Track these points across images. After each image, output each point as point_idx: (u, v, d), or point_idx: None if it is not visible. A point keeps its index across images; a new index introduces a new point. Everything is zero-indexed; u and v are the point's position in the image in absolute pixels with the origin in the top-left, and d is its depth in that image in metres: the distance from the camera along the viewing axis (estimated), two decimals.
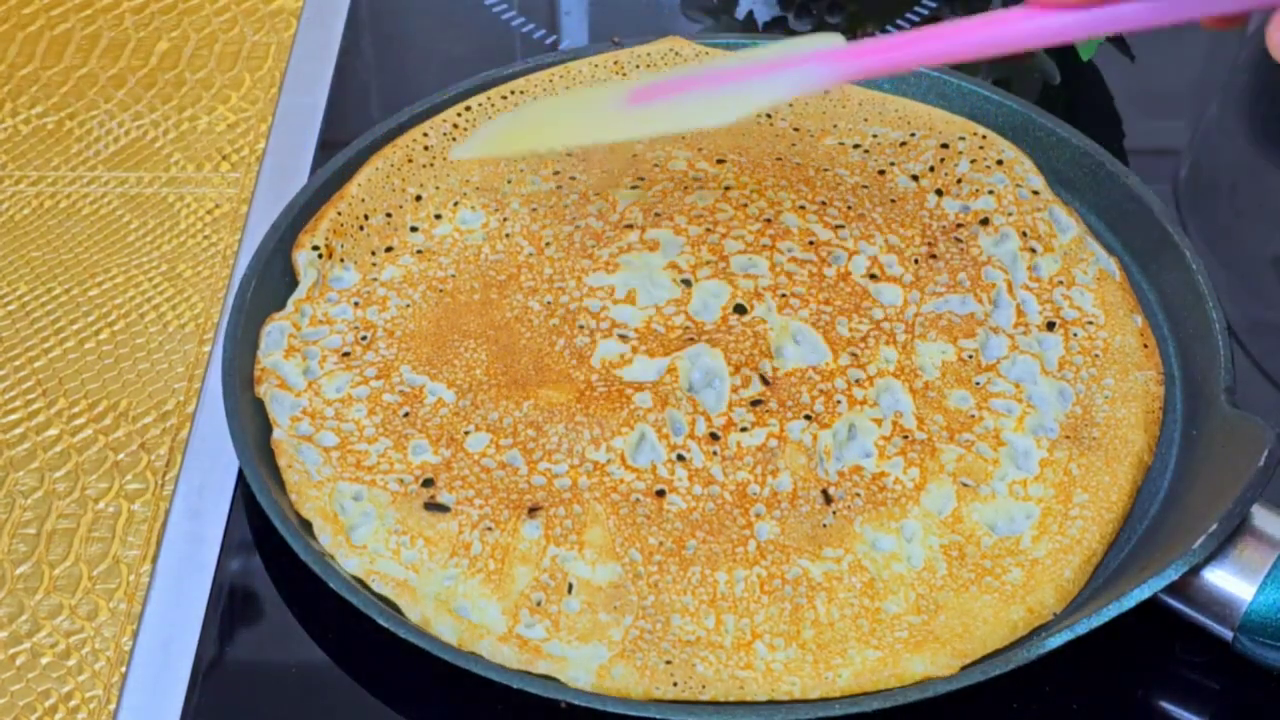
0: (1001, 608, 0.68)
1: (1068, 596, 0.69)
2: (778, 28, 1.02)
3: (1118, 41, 0.99)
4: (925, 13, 1.02)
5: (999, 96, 0.88)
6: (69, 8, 1.02)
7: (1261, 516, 0.67)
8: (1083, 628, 0.65)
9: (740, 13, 1.03)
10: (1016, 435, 0.74)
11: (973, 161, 0.85)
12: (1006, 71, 0.99)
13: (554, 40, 1.02)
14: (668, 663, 0.66)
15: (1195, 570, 0.66)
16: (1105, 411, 0.75)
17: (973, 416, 0.74)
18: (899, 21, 1.02)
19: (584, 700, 0.65)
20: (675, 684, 0.65)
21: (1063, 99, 0.97)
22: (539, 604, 0.68)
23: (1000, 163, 0.85)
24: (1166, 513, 0.72)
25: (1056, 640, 0.65)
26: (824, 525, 0.70)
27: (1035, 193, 0.83)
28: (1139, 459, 0.73)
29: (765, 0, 1.04)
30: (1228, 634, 0.66)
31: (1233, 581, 0.66)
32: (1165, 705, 0.68)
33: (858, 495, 0.71)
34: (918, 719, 0.65)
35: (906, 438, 0.73)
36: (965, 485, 0.72)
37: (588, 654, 0.66)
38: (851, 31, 1.01)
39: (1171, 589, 0.66)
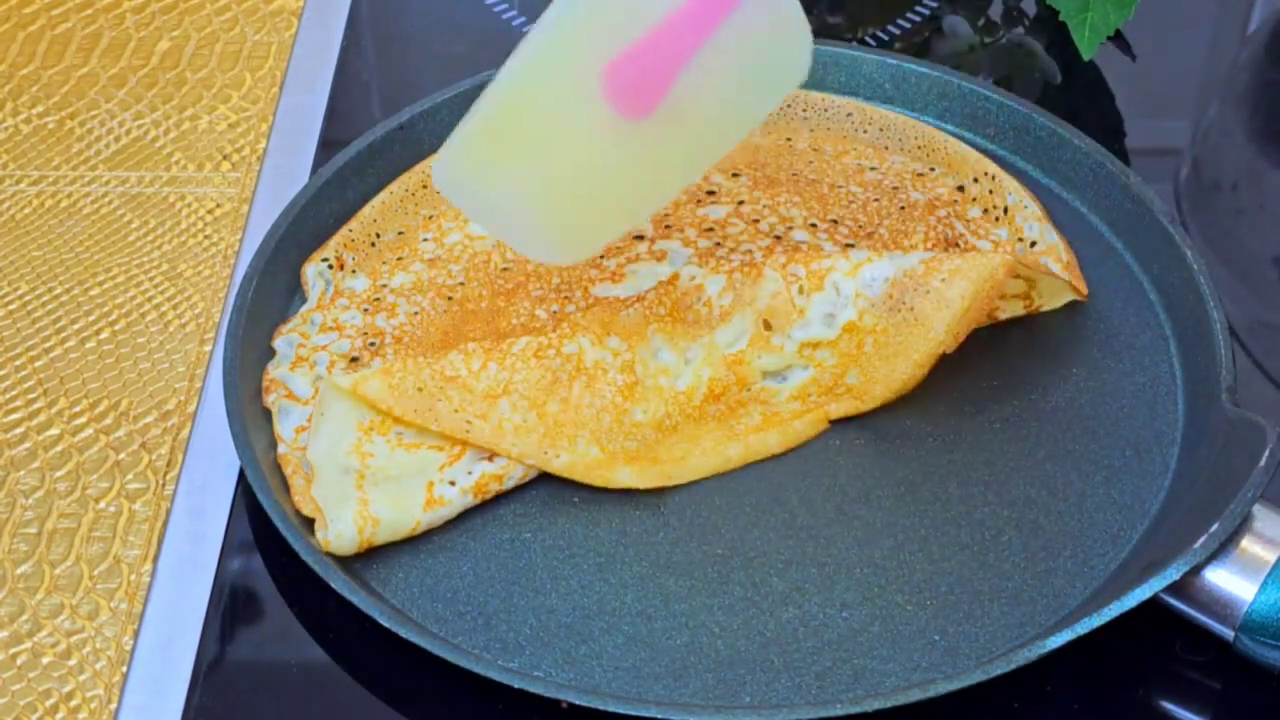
0: (723, 442, 0.71)
1: (791, 444, 0.72)
2: None
3: (1119, 41, 0.99)
4: (926, 13, 1.02)
5: (1000, 96, 0.88)
6: (70, 7, 1.02)
7: (1263, 516, 0.67)
8: (1083, 627, 0.65)
9: None
10: (846, 280, 0.75)
11: (984, 211, 0.85)
12: (1008, 71, 0.99)
13: None
14: (419, 390, 0.69)
15: (1196, 570, 0.66)
16: (937, 284, 0.75)
17: (821, 249, 0.77)
18: (900, 21, 1.02)
19: (584, 700, 0.65)
20: (415, 410, 0.68)
21: (1063, 99, 0.97)
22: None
23: (1006, 210, 0.84)
24: (1167, 512, 0.72)
25: (1057, 640, 0.65)
26: (620, 317, 0.71)
27: (1033, 244, 0.83)
28: (935, 348, 0.75)
29: None
30: (1229, 634, 0.66)
31: (1234, 581, 0.66)
32: (1165, 705, 0.68)
33: (665, 303, 0.73)
34: (918, 719, 0.65)
35: (746, 254, 0.76)
36: (765, 328, 0.74)
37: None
38: (852, 30, 1.01)
39: (1172, 589, 0.66)
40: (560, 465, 0.69)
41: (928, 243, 0.81)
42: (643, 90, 0.64)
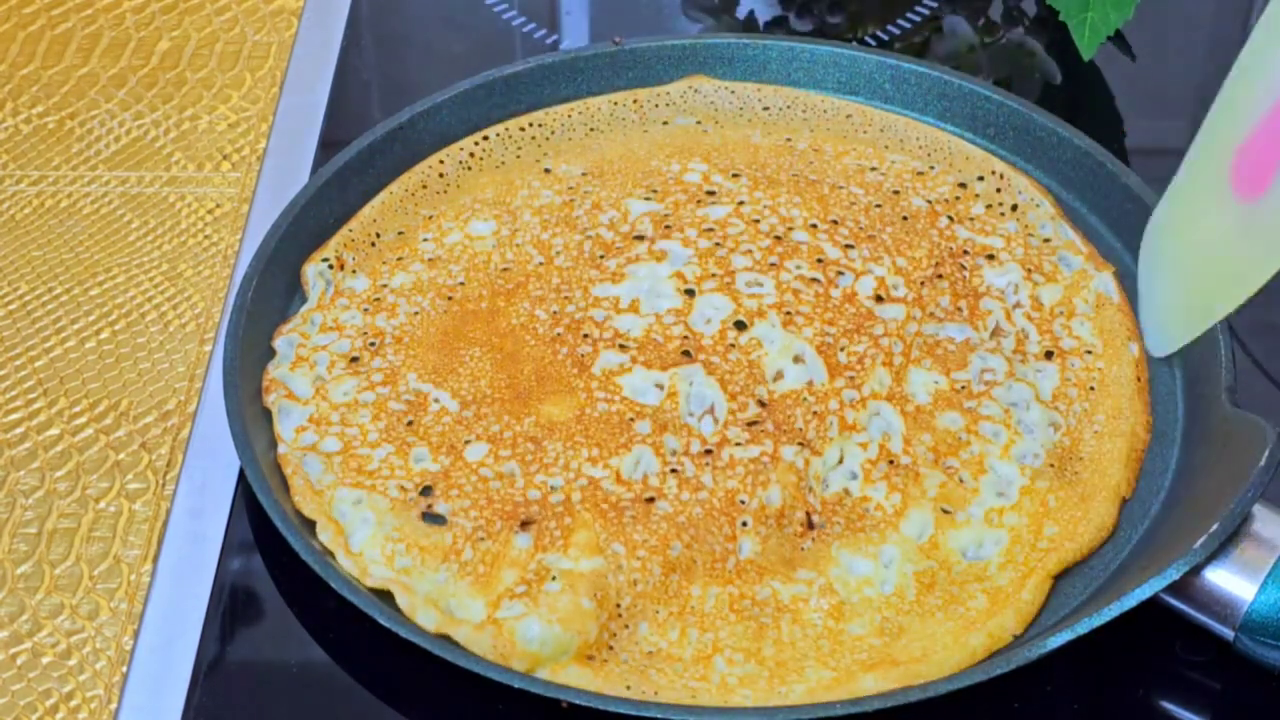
0: (961, 633, 0.68)
1: (1027, 619, 0.68)
2: (779, 28, 1.02)
3: (1119, 41, 0.99)
4: (925, 13, 1.02)
5: (1000, 96, 0.88)
6: (70, 7, 1.02)
7: (1262, 516, 0.67)
8: (1083, 628, 0.65)
9: (741, 12, 1.03)
10: (1001, 462, 0.73)
11: (988, 207, 0.84)
12: (1008, 71, 0.99)
13: (554, 40, 1.02)
14: (624, 662, 0.66)
15: (1196, 570, 0.66)
16: (1091, 446, 0.74)
17: (960, 440, 0.74)
18: (900, 21, 1.02)
19: (584, 700, 0.65)
20: (628, 688, 0.65)
21: (1064, 99, 0.97)
22: (521, 592, 0.68)
23: (1015, 207, 0.84)
24: (1167, 512, 0.72)
25: (1056, 640, 0.65)
26: (802, 549, 0.70)
27: (1046, 240, 0.83)
28: (1115, 493, 0.73)
29: (766, 0, 1.04)
30: (1229, 634, 0.66)
31: (1234, 581, 0.66)
32: (1165, 705, 0.68)
33: (838, 522, 0.71)
34: (919, 718, 0.65)
35: (892, 463, 0.73)
36: (944, 512, 0.72)
37: (559, 648, 0.66)
38: (852, 30, 1.01)
39: (1172, 589, 0.66)
40: (798, 695, 0.66)
41: (931, 263, 0.81)
42: (1259, 171, 0.58)
